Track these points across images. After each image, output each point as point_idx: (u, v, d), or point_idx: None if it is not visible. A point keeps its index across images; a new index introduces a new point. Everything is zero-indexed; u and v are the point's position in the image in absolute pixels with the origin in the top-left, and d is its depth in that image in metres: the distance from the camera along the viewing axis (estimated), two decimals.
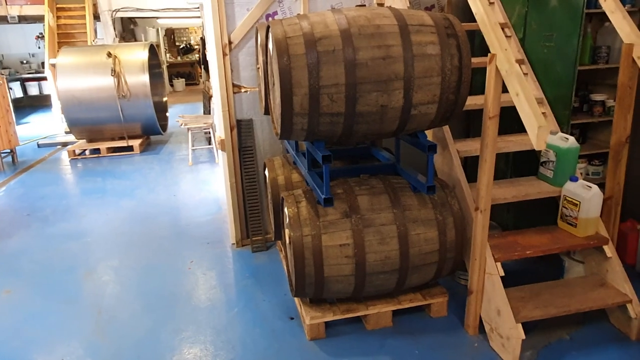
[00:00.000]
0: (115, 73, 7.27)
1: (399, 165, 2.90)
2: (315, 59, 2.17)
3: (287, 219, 2.63)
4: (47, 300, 3.30)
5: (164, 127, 8.67)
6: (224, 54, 3.54)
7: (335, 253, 2.48)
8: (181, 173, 6.49)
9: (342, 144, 3.07)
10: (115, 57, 7.35)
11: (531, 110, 2.04)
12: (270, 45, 2.46)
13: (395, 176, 2.81)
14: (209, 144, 7.73)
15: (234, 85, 3.66)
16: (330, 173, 2.77)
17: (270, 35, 2.38)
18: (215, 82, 3.64)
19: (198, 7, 11.39)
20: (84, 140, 7.95)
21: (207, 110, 8.31)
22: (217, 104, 3.76)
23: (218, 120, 3.80)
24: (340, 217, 2.51)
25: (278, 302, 3.13)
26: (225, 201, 5.08)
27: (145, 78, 7.43)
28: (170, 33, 19.89)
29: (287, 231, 2.78)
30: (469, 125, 4.07)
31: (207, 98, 8.23)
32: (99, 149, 7.63)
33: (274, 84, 2.47)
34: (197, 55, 19.37)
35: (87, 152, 7.79)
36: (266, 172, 3.57)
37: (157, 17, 12.97)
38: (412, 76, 2.24)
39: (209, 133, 7.43)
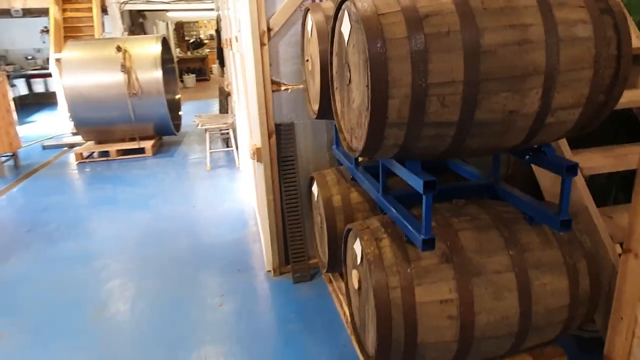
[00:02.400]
0: (125, 69, 6.65)
1: (498, 185, 2.22)
2: (422, 45, 1.50)
3: (364, 261, 1.97)
4: (48, 349, 2.68)
5: (177, 127, 8.05)
6: (262, 44, 2.88)
7: (434, 312, 1.82)
8: (199, 179, 5.86)
9: (435, 162, 2.39)
10: (126, 51, 6.72)
11: None
12: (343, 28, 1.79)
13: (498, 202, 2.15)
14: (227, 146, 7.09)
15: (272, 83, 3.00)
16: (409, 196, 2.13)
17: (347, 12, 1.72)
18: (251, 79, 2.98)
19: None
20: (92, 142, 7.35)
21: (225, 109, 7.67)
22: (251, 104, 3.11)
23: (253, 125, 3.15)
24: (438, 261, 1.85)
25: (337, 356, 2.48)
26: (252, 215, 4.45)
27: (158, 74, 6.80)
28: (179, 27, 19.30)
29: (356, 272, 2.13)
30: None
31: (225, 95, 7.59)
32: (108, 152, 7.02)
33: (349, 81, 1.80)
34: (207, 51, 18.78)
35: (95, 155, 7.19)
36: (314, 189, 2.92)
37: (168, 10, 12.35)
38: (556, 69, 1.57)
39: (227, 134, 6.79)
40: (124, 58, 6.68)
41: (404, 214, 1.90)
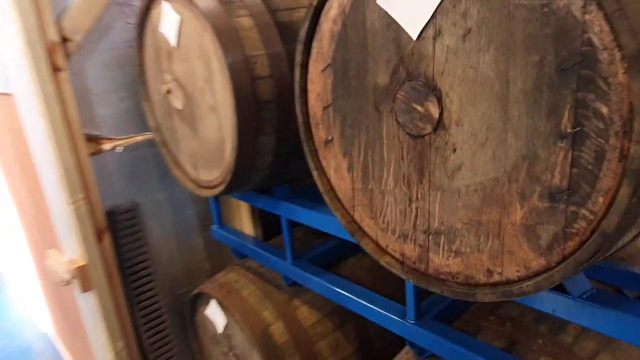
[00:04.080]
0: None
1: None
2: None
3: None
4: None
5: None
6: (55, 69, 1.46)
7: None
8: None
9: None
10: None
11: None
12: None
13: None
14: None
15: (88, 139, 1.59)
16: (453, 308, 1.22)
17: None
18: (39, 139, 1.51)
19: None
20: None
21: None
22: (47, 186, 1.61)
23: (58, 225, 1.64)
24: None
25: None
26: (49, 355, 2.73)
27: None
28: None
29: None
30: None
31: None
32: None
33: (447, 126, 0.74)
34: None
35: None
36: (212, 313, 1.65)
37: None
38: None
39: None
40: None
41: None
